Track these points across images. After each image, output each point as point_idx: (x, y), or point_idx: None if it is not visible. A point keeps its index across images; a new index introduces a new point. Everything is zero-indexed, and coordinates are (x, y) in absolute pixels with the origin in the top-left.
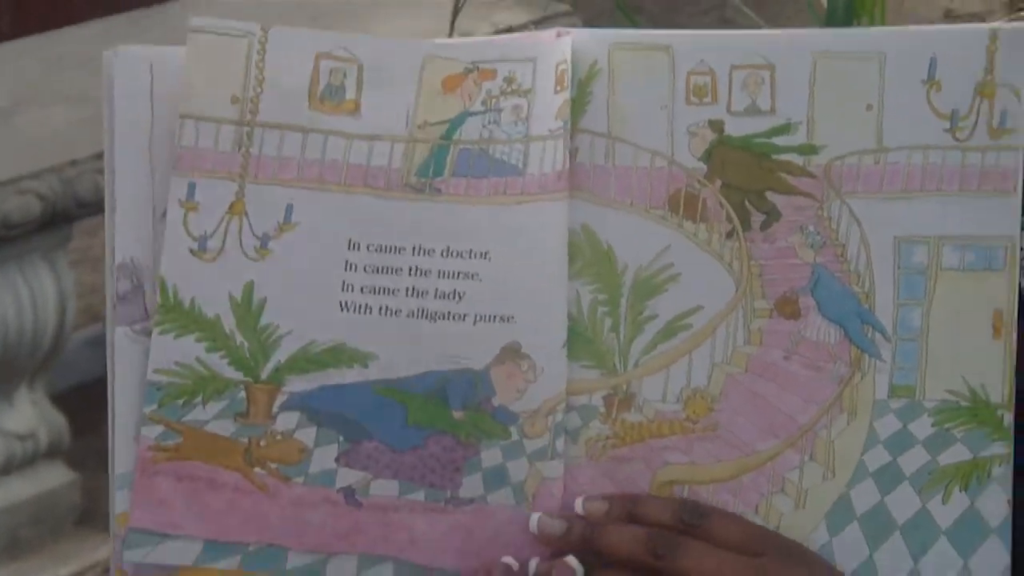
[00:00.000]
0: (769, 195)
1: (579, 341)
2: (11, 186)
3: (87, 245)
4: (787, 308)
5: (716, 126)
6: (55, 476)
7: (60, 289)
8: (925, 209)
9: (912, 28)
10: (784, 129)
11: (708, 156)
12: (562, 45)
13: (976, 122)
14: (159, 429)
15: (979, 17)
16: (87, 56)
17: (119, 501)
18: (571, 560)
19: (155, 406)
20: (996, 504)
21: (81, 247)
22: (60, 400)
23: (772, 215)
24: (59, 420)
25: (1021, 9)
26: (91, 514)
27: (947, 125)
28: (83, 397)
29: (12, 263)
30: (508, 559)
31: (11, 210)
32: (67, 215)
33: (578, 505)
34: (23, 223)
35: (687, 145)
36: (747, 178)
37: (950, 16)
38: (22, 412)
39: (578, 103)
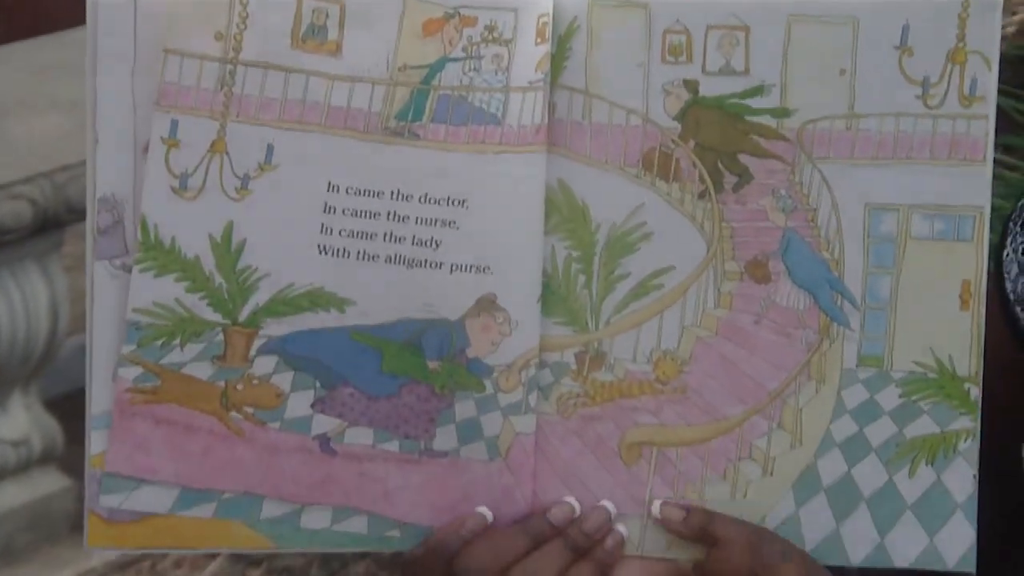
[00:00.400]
0: (742, 157)
1: (553, 298)
2: (3, 191)
3: (80, 250)
4: (757, 271)
5: (691, 86)
6: (49, 482)
7: (53, 294)
8: (896, 177)
9: None
10: (758, 91)
11: (683, 115)
12: None
13: (947, 89)
14: (137, 370)
15: None
16: (81, 62)
17: (94, 442)
18: (607, 503)
19: (134, 346)
20: (962, 479)
21: (74, 252)
22: (53, 406)
23: (744, 177)
24: (52, 426)
25: (1015, 13)
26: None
27: (919, 92)
28: (77, 403)
29: (4, 268)
30: (482, 509)
31: (3, 215)
32: (59, 220)
33: (655, 508)
34: (15, 228)
35: (662, 103)
36: (720, 139)
37: None
38: (15, 418)
39: (557, 59)
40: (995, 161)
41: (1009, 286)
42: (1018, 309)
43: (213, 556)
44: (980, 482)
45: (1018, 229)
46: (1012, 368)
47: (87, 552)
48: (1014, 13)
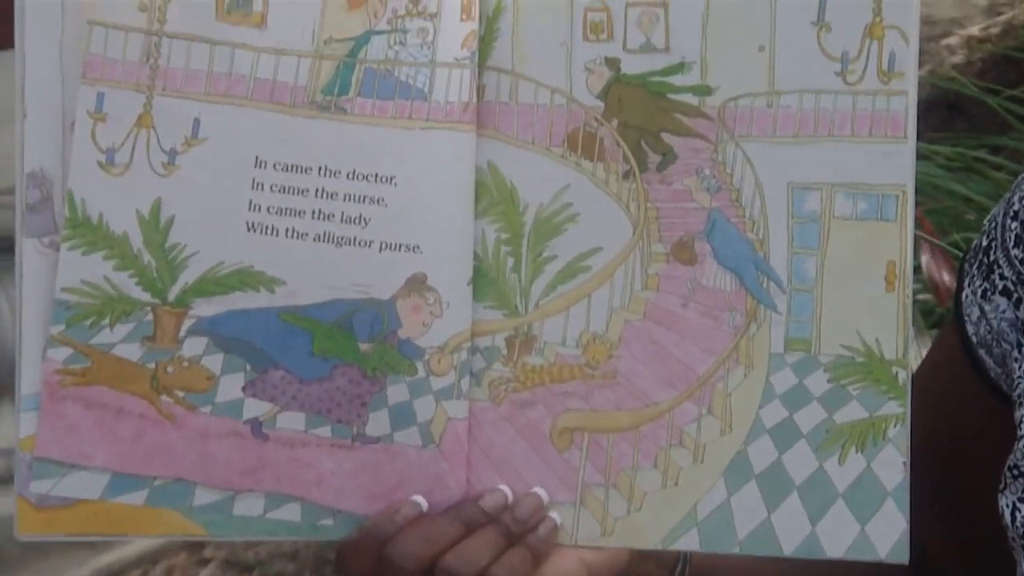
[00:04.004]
0: (665, 136)
1: (483, 281)
2: None
3: None
4: (683, 253)
5: (612, 64)
6: None
7: None
8: (818, 155)
9: None
10: (679, 68)
11: (605, 94)
12: None
13: (866, 65)
14: (67, 351)
15: (957, 23)
16: None
17: (24, 424)
18: (539, 491)
19: (62, 326)
20: (892, 467)
21: None
22: None
23: (668, 156)
24: None
25: (1000, 14)
26: None
27: (838, 68)
28: None
29: None
30: (417, 497)
31: None
32: None
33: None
34: (5, 237)
35: (585, 82)
36: (643, 117)
37: (928, 21)
38: (6, 428)
39: (486, 40)
40: (982, 161)
41: (971, 329)
42: (982, 352)
43: (205, 563)
44: (950, 522)
45: (974, 271)
46: (977, 407)
47: (78, 560)
48: (999, 14)
